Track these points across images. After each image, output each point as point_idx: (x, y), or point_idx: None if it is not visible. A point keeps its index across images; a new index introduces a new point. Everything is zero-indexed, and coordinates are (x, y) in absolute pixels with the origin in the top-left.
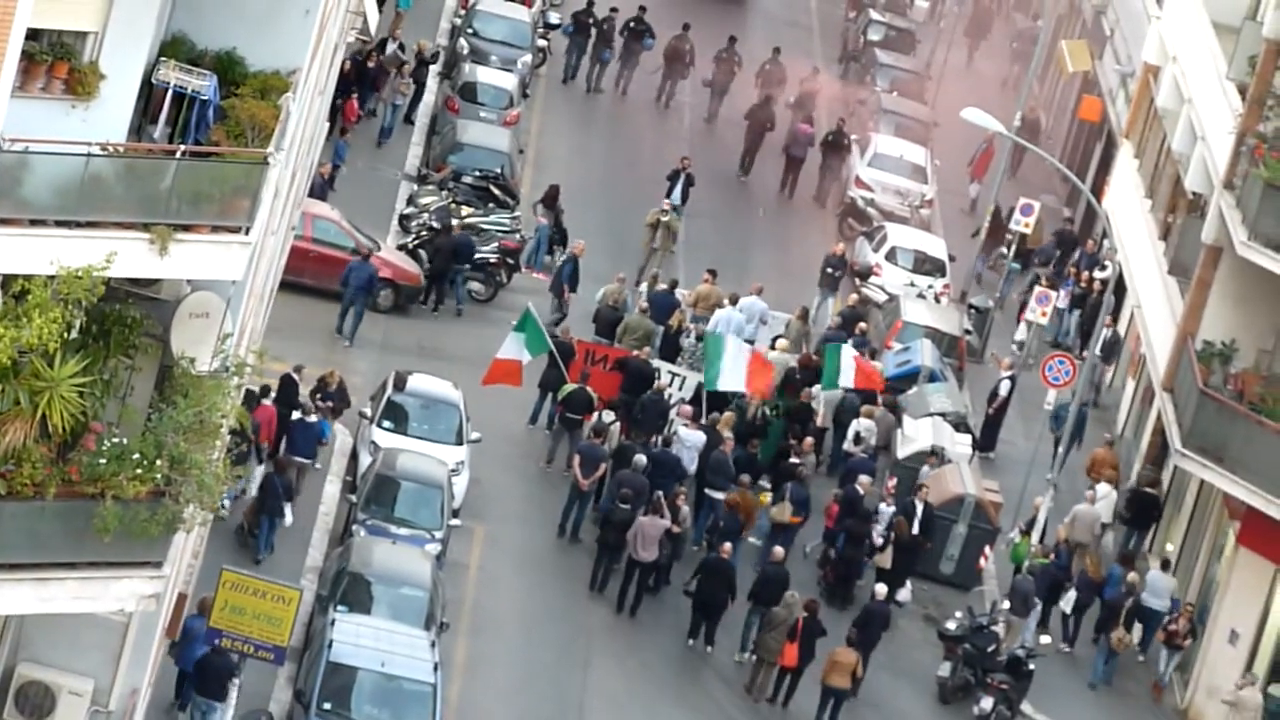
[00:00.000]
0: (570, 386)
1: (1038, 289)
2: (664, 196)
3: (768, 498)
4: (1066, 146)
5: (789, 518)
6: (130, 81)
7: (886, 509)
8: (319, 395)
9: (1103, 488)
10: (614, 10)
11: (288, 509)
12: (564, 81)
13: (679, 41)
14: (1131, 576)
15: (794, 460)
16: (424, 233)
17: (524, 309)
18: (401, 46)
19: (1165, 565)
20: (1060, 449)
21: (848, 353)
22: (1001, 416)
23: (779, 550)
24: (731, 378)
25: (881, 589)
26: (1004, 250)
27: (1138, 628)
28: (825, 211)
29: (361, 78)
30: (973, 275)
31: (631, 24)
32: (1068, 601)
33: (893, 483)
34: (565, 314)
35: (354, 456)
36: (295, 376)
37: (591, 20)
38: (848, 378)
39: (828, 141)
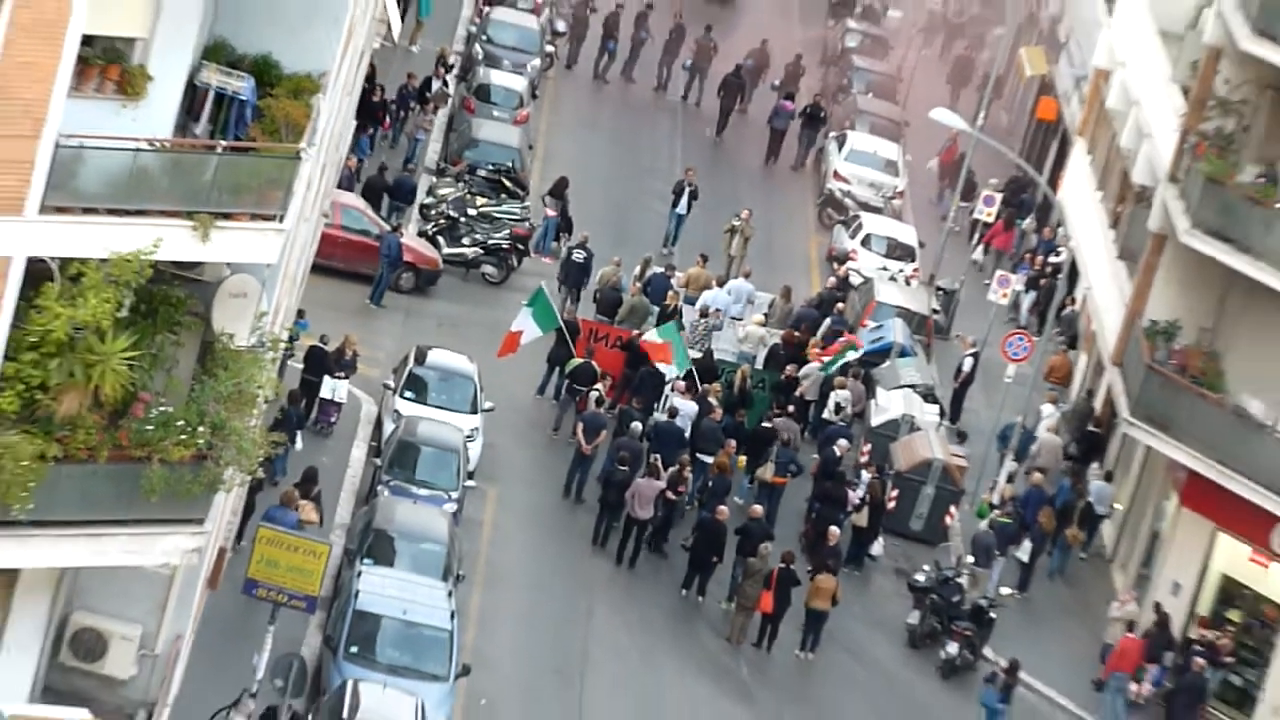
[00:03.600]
0: (576, 361)
1: (999, 273)
2: (670, 208)
3: (743, 461)
4: (1026, 143)
5: (772, 477)
6: (175, 83)
7: (865, 474)
8: (336, 360)
9: (1046, 408)
10: (620, 6)
11: (299, 436)
12: (566, 67)
13: (677, 32)
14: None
15: (765, 425)
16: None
17: (537, 287)
18: (445, 82)
19: (1108, 477)
20: (1004, 467)
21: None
22: (966, 390)
23: (757, 508)
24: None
25: (835, 531)
26: (948, 191)
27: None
28: (806, 197)
29: (403, 106)
30: (941, 214)
31: (637, 18)
32: (1024, 551)
33: (867, 448)
34: (576, 303)
35: (378, 424)
36: (322, 346)
37: (592, 11)
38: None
39: (805, 114)
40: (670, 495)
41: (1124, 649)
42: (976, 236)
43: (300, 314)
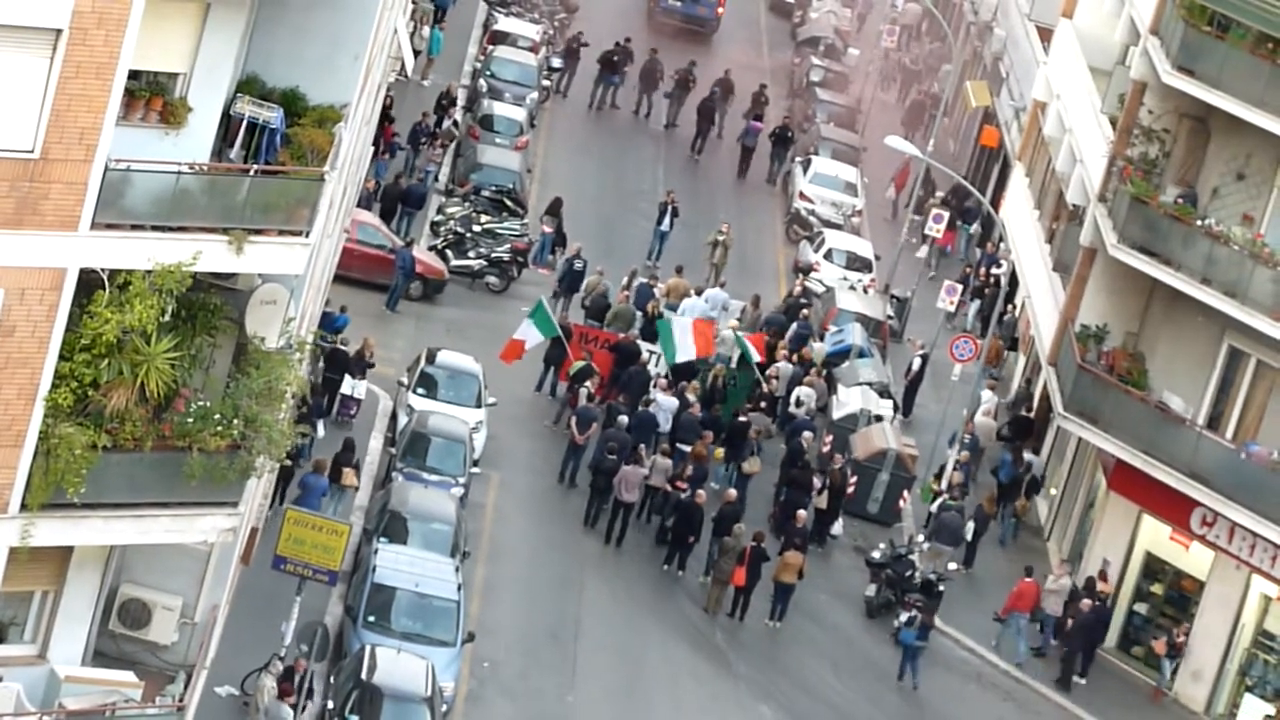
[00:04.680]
0: (579, 363)
1: (946, 283)
2: (655, 225)
3: (721, 453)
4: (971, 167)
5: (758, 469)
6: (212, 113)
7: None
8: (355, 361)
9: (986, 394)
10: (617, 44)
11: (320, 424)
12: (559, 93)
13: (652, 64)
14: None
15: (740, 419)
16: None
17: (537, 300)
18: (455, 123)
19: (1036, 451)
20: (951, 458)
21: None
22: (917, 387)
23: (732, 492)
24: (685, 350)
25: (802, 513)
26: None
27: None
28: (775, 214)
29: (415, 140)
30: (901, 222)
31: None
32: (968, 531)
33: (830, 439)
34: (567, 310)
35: (394, 417)
36: (343, 348)
37: (581, 47)
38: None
39: (775, 135)
40: (669, 488)
41: (1022, 591)
42: (927, 247)
43: (343, 309)
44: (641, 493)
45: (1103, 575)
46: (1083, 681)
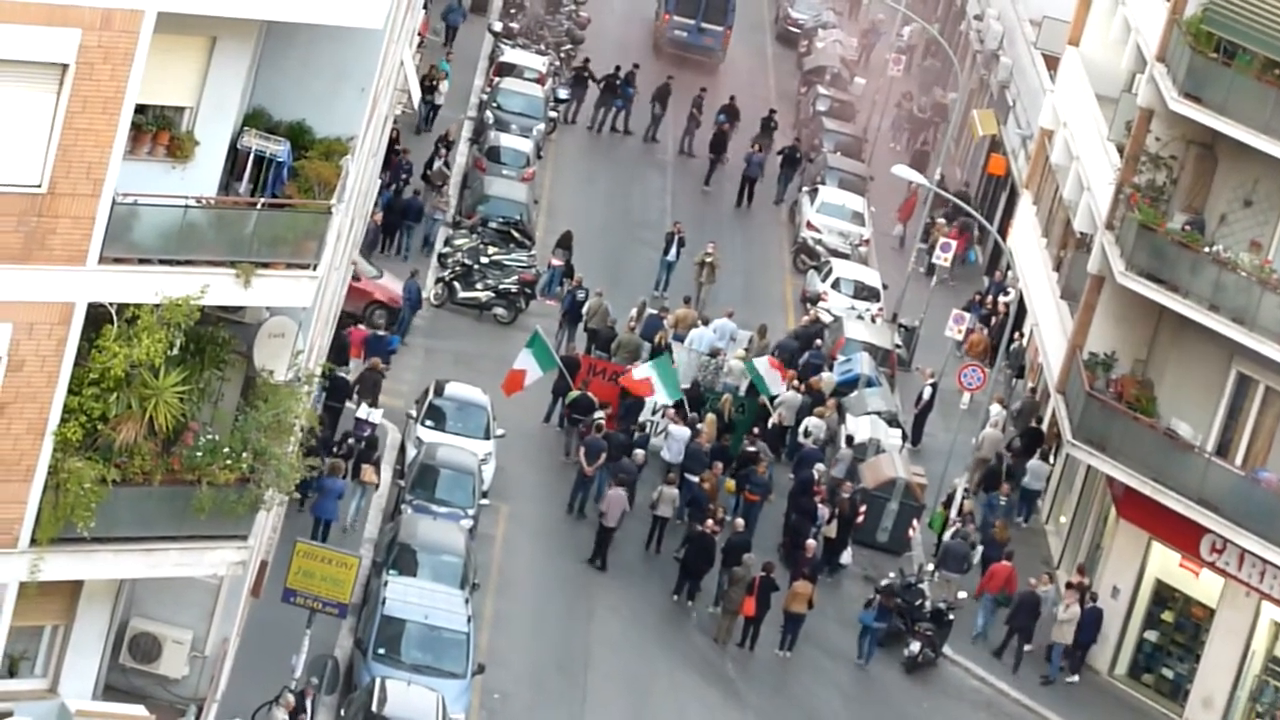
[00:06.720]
0: (575, 393)
1: (955, 311)
2: (661, 255)
3: (732, 484)
4: (978, 196)
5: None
6: (219, 146)
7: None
8: (368, 379)
9: (995, 408)
10: (618, 67)
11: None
12: (567, 122)
13: (665, 87)
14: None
15: (751, 449)
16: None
17: (533, 331)
18: (447, 164)
19: (1044, 456)
20: (960, 485)
21: (762, 363)
22: (925, 416)
23: (740, 522)
24: (773, 384)
25: (812, 544)
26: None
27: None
28: (782, 244)
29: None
30: (909, 251)
31: (626, 75)
32: (975, 556)
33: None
34: (571, 339)
35: (402, 449)
36: (344, 376)
37: (589, 75)
38: (774, 383)
39: (784, 155)
40: (700, 529)
41: (993, 572)
42: (930, 259)
43: (389, 328)
44: (621, 514)
45: (1080, 570)
46: (1071, 679)
